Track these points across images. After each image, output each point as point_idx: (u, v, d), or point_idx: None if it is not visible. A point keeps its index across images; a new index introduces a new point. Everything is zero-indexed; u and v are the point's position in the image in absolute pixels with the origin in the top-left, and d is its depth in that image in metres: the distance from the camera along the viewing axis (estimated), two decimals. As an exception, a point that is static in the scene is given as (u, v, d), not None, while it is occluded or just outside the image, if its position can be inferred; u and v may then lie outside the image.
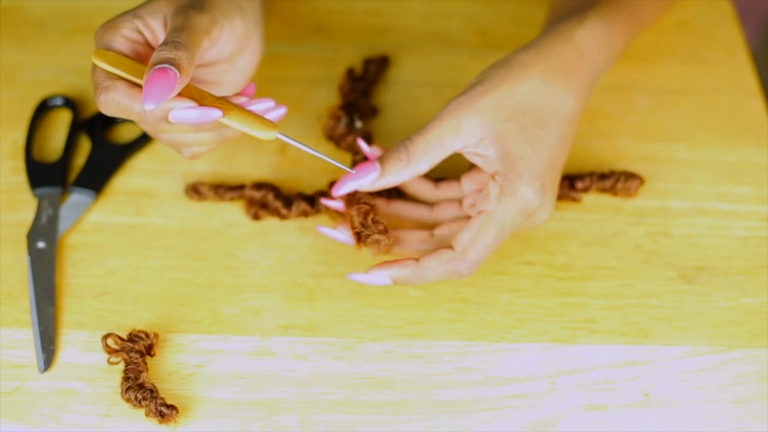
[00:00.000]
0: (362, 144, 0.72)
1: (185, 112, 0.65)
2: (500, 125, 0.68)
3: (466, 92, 0.69)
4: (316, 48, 0.91)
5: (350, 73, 0.87)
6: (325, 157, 0.68)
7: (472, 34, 0.92)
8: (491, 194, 0.68)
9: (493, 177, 0.68)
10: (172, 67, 0.63)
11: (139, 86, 0.66)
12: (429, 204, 0.75)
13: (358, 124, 0.81)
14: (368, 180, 0.69)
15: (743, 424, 0.69)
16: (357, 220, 0.69)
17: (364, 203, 0.70)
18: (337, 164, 0.69)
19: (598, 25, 0.73)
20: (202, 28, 0.67)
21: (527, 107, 0.69)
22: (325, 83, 0.87)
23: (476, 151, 0.69)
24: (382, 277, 0.69)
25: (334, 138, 0.82)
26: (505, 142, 0.68)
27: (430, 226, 0.74)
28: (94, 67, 0.67)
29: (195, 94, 0.66)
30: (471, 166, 0.74)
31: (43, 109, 0.84)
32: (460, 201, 0.74)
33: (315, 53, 0.90)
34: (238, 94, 0.69)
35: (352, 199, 0.71)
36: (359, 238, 0.70)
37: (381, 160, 0.69)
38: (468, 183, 0.74)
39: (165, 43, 0.65)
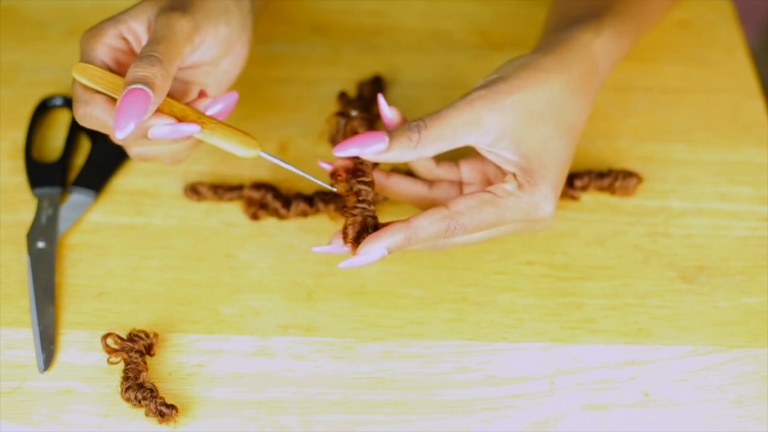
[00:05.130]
0: (382, 101, 0.70)
1: (164, 128, 0.65)
2: (520, 129, 0.67)
3: (488, 86, 0.68)
4: (316, 48, 0.91)
5: (343, 96, 0.85)
6: (310, 176, 0.68)
7: (472, 34, 0.92)
8: (507, 185, 0.67)
9: (513, 175, 0.68)
10: (146, 87, 0.63)
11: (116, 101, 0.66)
12: (427, 182, 0.73)
13: (354, 113, 0.81)
14: (372, 150, 0.67)
15: (743, 423, 0.69)
16: (343, 175, 0.68)
17: (360, 170, 0.68)
18: (321, 183, 0.68)
19: (613, 36, 0.73)
20: (184, 35, 0.67)
21: (549, 116, 0.68)
22: (325, 83, 0.87)
23: (491, 149, 0.68)
24: (376, 250, 0.65)
25: (337, 142, 0.80)
26: (523, 148, 0.67)
27: (427, 205, 0.72)
28: (75, 78, 0.67)
29: (176, 111, 0.66)
30: (470, 153, 0.74)
31: (43, 109, 0.84)
32: (459, 184, 0.74)
33: (315, 53, 0.90)
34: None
35: (350, 169, 0.69)
36: (347, 187, 0.68)
37: (391, 134, 0.67)
38: (467, 170, 0.73)
39: (141, 58, 0.64)
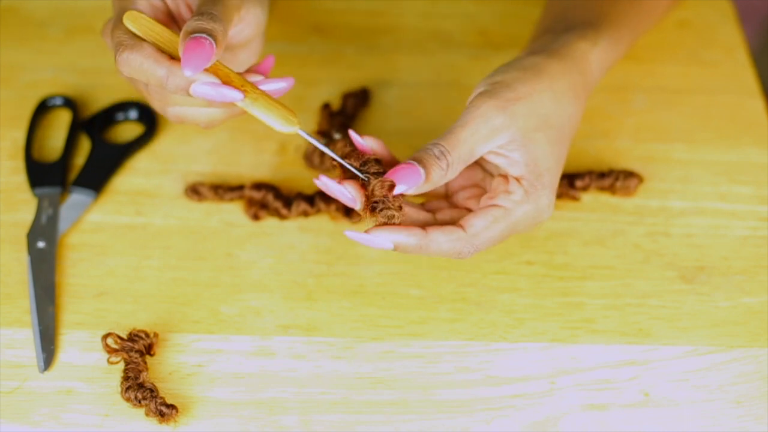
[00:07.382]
0: (354, 135, 0.68)
1: (206, 87, 0.64)
2: (530, 133, 0.68)
3: (494, 95, 0.68)
4: (316, 48, 0.91)
5: (326, 107, 0.84)
6: (341, 159, 0.66)
7: (471, 34, 0.92)
8: (515, 195, 0.68)
9: (517, 180, 0.68)
10: (209, 38, 0.63)
11: (165, 52, 0.65)
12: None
13: (337, 136, 0.80)
14: (416, 185, 0.65)
15: (743, 423, 0.69)
16: (379, 192, 0.65)
17: (375, 173, 0.66)
18: (351, 168, 0.67)
19: (609, 46, 0.74)
20: (234, 3, 0.67)
21: (554, 120, 0.69)
22: (325, 83, 0.87)
23: (500, 151, 0.68)
24: (384, 239, 0.65)
25: (312, 163, 0.80)
26: (532, 151, 0.68)
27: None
28: (117, 25, 0.66)
29: (221, 74, 0.65)
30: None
31: (43, 109, 0.84)
32: (444, 196, 0.73)
33: (315, 53, 0.90)
34: (252, 69, 0.68)
35: (346, 169, 0.67)
36: (372, 208, 0.65)
37: (423, 166, 0.65)
38: (457, 179, 0.73)
39: (200, 14, 0.64)
